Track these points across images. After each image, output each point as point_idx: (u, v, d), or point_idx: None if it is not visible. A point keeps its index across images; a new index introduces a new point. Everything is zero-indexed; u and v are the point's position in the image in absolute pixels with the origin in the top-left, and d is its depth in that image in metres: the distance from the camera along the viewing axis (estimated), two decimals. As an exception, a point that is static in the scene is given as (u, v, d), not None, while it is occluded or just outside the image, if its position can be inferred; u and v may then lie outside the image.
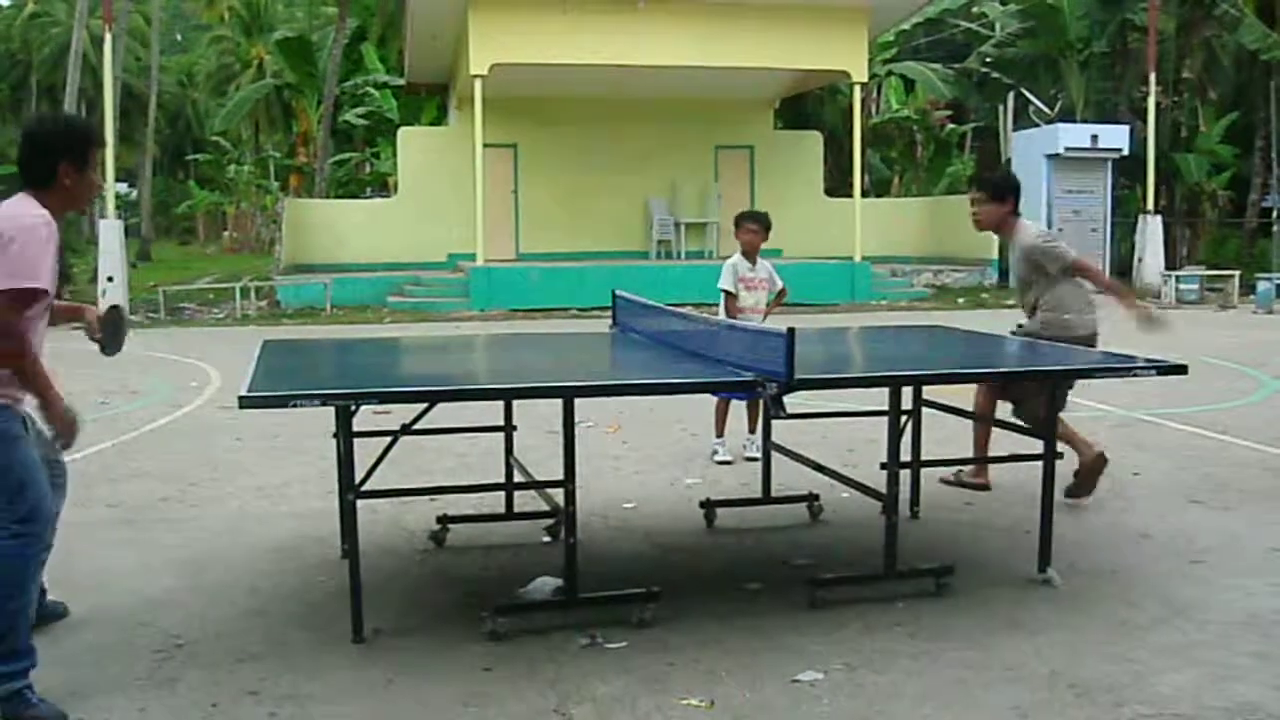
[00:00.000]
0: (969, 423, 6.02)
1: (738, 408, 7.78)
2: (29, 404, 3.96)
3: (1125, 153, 24.54)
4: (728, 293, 7.78)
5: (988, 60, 30.59)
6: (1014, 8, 29.94)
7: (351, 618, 4.43)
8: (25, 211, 3.85)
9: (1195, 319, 18.86)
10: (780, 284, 7.96)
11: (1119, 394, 9.62)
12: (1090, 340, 6.27)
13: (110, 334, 4.49)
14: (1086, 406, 8.85)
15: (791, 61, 21.54)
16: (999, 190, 6.48)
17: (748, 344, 4.75)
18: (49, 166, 3.95)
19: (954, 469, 6.76)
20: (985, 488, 6.78)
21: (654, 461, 7.78)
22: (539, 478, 5.32)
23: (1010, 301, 22.18)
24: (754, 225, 7.82)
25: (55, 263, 3.87)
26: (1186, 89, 29.43)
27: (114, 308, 4.74)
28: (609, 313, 6.78)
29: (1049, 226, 23.67)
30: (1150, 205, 24.66)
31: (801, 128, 29.12)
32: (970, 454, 6.66)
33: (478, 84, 20.07)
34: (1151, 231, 24.40)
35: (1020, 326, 6.64)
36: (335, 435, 4.90)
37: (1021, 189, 6.56)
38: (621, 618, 4.59)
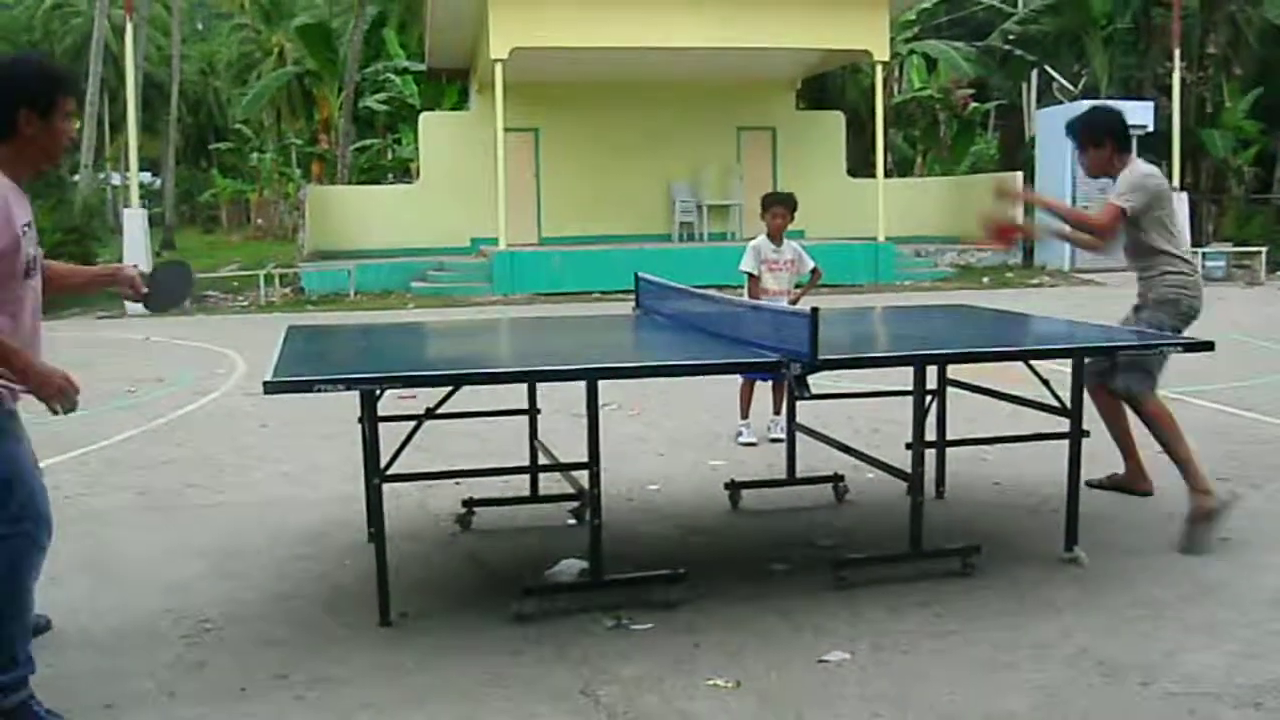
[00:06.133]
0: (994, 401, 5.99)
1: (762, 389, 7.77)
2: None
3: (1150, 129, 24.31)
4: (750, 275, 7.76)
5: (1010, 38, 30.36)
6: (1036, -17, 29.71)
7: (378, 601, 4.45)
8: None
9: (1222, 296, 18.71)
10: (811, 264, 7.90)
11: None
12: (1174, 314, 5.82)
13: (160, 288, 4.21)
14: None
15: (813, 41, 21.42)
16: (1091, 133, 5.93)
17: (771, 325, 4.75)
18: (6, 116, 3.58)
19: (1109, 474, 6.33)
20: (1148, 493, 6.22)
21: (678, 443, 7.78)
22: (563, 460, 5.33)
23: (1035, 280, 22.11)
24: (781, 209, 7.78)
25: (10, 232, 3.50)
26: (1211, 64, 29.13)
27: (171, 263, 4.35)
28: (632, 296, 6.77)
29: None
30: (1176, 182, 24.45)
31: (823, 108, 28.96)
32: (997, 433, 6.60)
33: (498, 68, 20.04)
34: (1177, 208, 24.20)
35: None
36: (360, 420, 4.92)
37: (1123, 124, 5.93)
38: (647, 599, 4.59)
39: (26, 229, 3.62)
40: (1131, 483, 6.28)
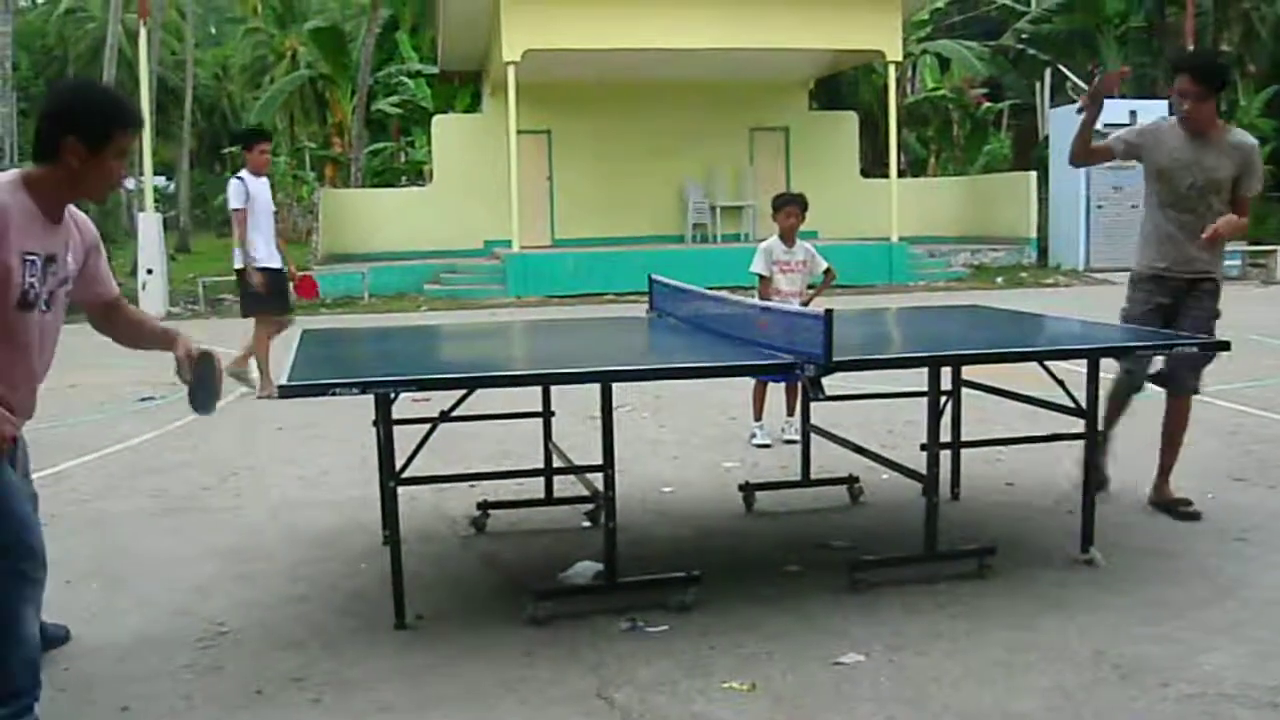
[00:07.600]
0: (1009, 403, 5.97)
1: (776, 390, 7.76)
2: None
3: (1165, 128, 24.21)
4: (762, 276, 7.75)
5: (1023, 37, 30.31)
6: (1049, -18, 29.66)
7: (394, 604, 4.46)
8: None
9: (1237, 295, 18.64)
10: (824, 265, 7.88)
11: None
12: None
13: (199, 383, 3.97)
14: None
15: (826, 41, 21.40)
16: (1212, 80, 5.38)
17: (786, 326, 4.74)
18: (53, 139, 3.41)
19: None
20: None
21: (692, 445, 7.77)
22: (578, 463, 5.33)
23: (1049, 280, 22.05)
24: (792, 209, 7.78)
25: (13, 257, 3.33)
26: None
27: (205, 355, 4.02)
28: (645, 298, 6.77)
29: (1088, 203, 23.45)
30: (1191, 181, 24.31)
31: (836, 108, 28.92)
32: (1011, 434, 6.58)
33: (511, 70, 20.07)
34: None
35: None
36: (375, 423, 4.93)
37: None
38: (662, 602, 4.59)
39: (31, 258, 3.41)
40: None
